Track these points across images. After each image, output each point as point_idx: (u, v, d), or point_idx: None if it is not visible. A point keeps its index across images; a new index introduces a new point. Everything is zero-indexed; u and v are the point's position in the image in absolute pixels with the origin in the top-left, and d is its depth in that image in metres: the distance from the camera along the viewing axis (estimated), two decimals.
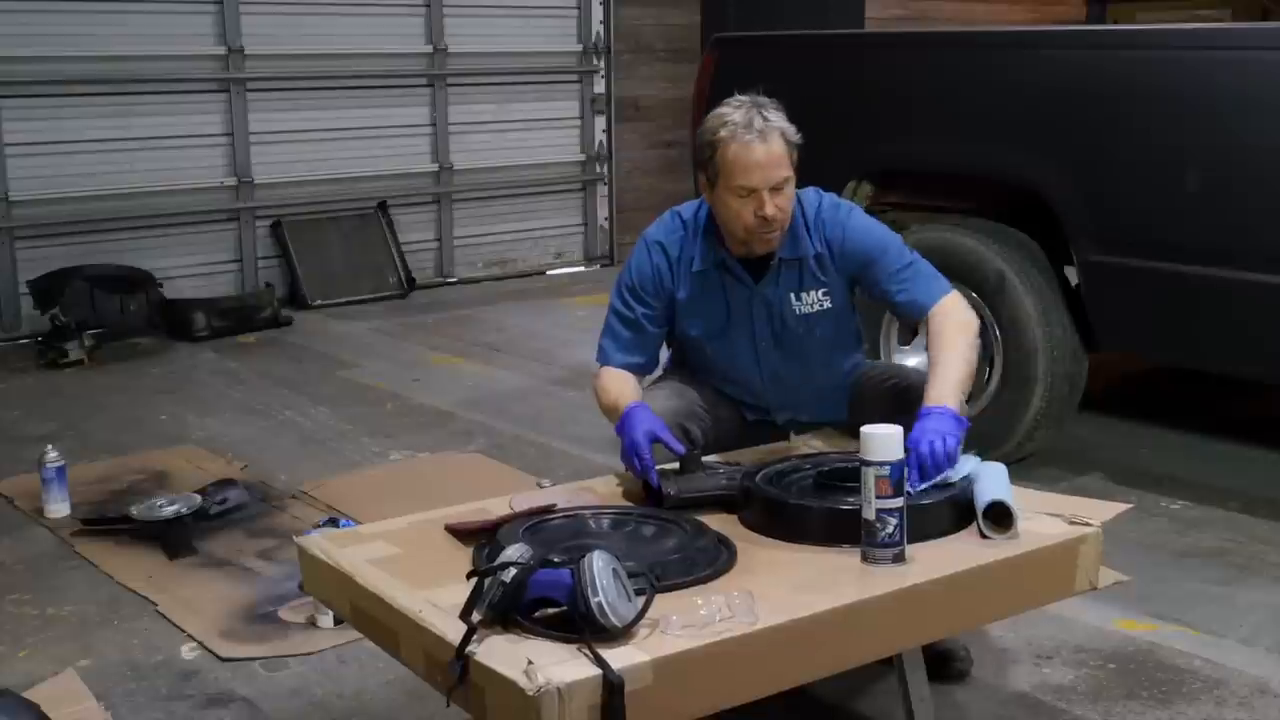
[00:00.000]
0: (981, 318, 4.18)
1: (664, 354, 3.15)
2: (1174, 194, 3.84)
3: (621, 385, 2.90)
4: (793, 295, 2.92)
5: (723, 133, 2.76)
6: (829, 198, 2.97)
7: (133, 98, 6.85)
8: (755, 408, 3.09)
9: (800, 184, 2.89)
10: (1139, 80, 3.93)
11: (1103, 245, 4.01)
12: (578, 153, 8.57)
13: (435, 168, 7.96)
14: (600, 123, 8.57)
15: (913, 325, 2.95)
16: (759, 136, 2.73)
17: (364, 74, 7.64)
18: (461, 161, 8.03)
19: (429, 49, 7.82)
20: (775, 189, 2.75)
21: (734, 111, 2.77)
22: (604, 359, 2.98)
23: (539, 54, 8.31)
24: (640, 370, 2.99)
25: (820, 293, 2.93)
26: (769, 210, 2.75)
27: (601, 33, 8.46)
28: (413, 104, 7.85)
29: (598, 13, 8.43)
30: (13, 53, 6.47)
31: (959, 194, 4.61)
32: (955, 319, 2.84)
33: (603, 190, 8.69)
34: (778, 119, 2.77)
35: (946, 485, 2.46)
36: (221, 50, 7.08)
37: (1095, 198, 4.01)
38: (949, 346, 2.77)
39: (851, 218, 2.93)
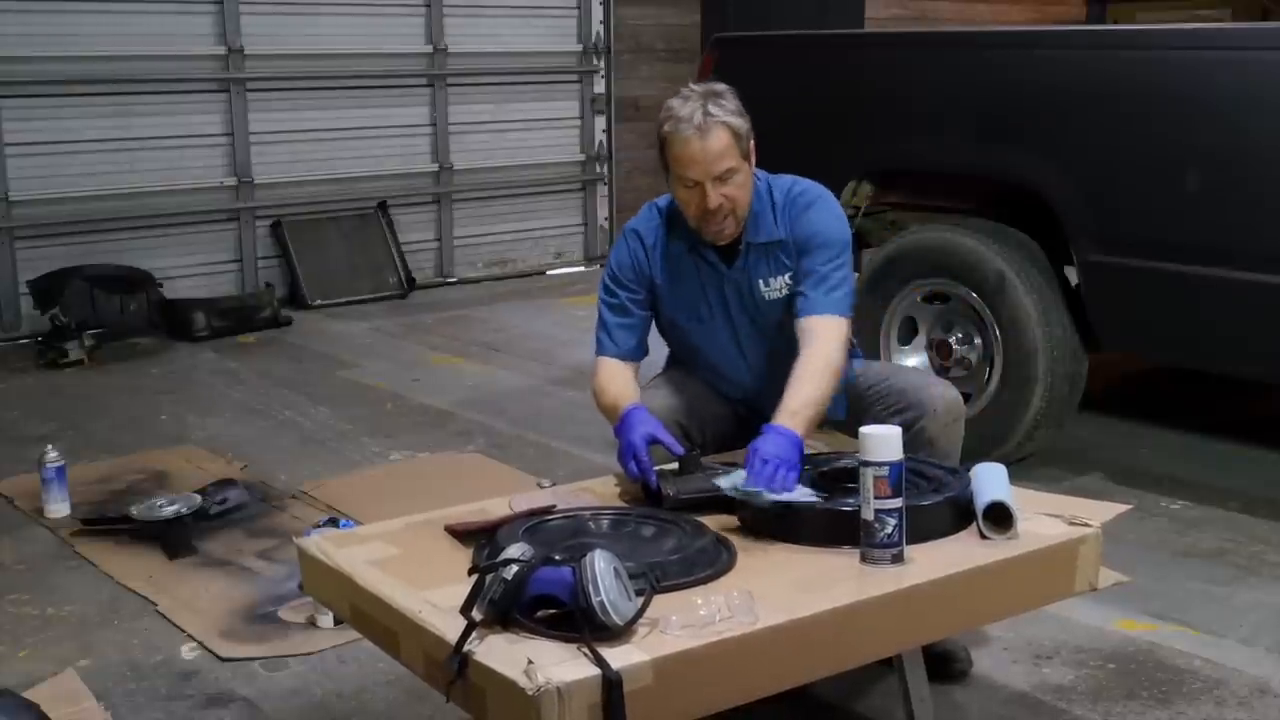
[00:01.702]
0: (981, 318, 4.23)
1: (664, 354, 3.15)
2: (1174, 194, 3.84)
3: (621, 385, 2.90)
4: (761, 281, 2.93)
5: (667, 126, 2.78)
6: (802, 184, 2.95)
7: (133, 98, 6.85)
8: (747, 403, 3.08)
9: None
10: (1139, 80, 3.94)
11: (1103, 245, 4.01)
12: (577, 153, 8.57)
13: (435, 168, 7.96)
14: (600, 123, 8.57)
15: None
16: (698, 132, 2.72)
17: (364, 74, 7.64)
18: (461, 161, 8.03)
19: (429, 49, 7.82)
20: (720, 179, 2.76)
21: (681, 105, 2.77)
22: (599, 349, 3.01)
23: (539, 54, 8.31)
24: (633, 355, 2.99)
25: (786, 278, 2.92)
26: (712, 202, 2.77)
27: (601, 33, 8.46)
28: (413, 104, 7.85)
29: (598, 13, 8.43)
30: (13, 53, 6.47)
31: (959, 194, 4.61)
32: (831, 346, 2.77)
33: (602, 190, 8.69)
34: (722, 112, 2.74)
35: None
36: (221, 50, 7.08)
37: (1095, 198, 4.01)
38: (819, 374, 2.71)
39: (812, 207, 2.90)
